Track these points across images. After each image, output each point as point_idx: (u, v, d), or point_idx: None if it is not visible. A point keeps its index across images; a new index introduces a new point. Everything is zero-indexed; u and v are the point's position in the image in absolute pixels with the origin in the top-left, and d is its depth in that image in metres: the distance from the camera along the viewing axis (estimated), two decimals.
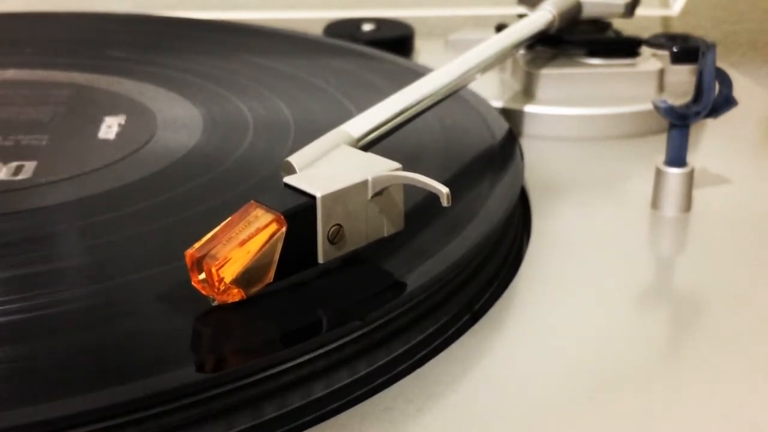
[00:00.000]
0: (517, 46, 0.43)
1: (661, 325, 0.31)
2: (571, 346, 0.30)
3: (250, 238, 0.26)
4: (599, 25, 0.49)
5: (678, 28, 0.67)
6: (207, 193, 0.34)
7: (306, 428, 0.26)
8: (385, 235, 0.29)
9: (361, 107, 0.35)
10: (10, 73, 0.47)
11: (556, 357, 0.29)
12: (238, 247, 0.26)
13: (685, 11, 0.63)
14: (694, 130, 0.39)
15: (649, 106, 0.43)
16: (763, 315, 0.31)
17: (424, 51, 0.57)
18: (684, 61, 0.49)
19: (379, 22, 0.57)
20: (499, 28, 0.50)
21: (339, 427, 0.26)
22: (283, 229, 0.27)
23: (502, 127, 0.41)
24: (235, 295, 0.26)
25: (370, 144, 0.32)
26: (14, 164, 0.36)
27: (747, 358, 0.29)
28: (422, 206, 0.32)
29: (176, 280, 0.28)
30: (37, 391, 0.24)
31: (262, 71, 0.47)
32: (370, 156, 0.30)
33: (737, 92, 0.38)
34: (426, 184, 0.28)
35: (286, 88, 0.44)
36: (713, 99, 0.37)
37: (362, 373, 0.28)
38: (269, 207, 0.27)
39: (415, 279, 0.29)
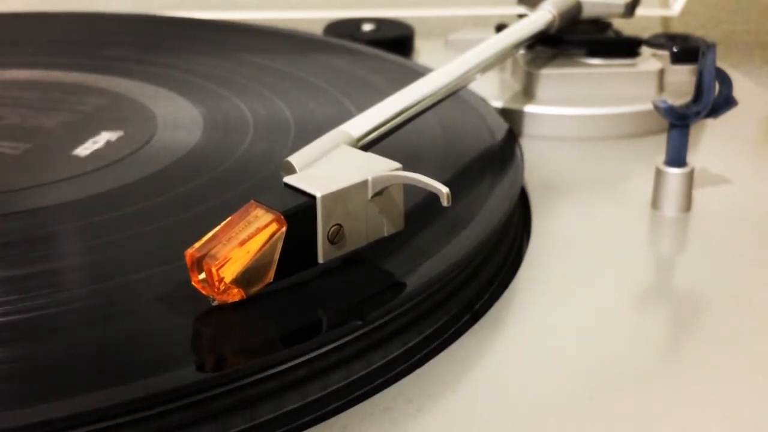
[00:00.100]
0: (517, 46, 0.43)
1: (661, 325, 0.31)
2: (571, 346, 0.30)
3: (250, 237, 0.26)
4: (599, 25, 0.49)
5: (678, 28, 0.67)
6: (207, 193, 0.34)
7: (306, 428, 0.26)
8: (385, 235, 0.29)
9: (361, 107, 0.35)
10: (11, 74, 0.47)
11: (556, 357, 0.29)
12: (238, 247, 0.26)
13: (685, 11, 0.63)
14: (694, 130, 0.39)
15: (649, 106, 0.43)
16: (763, 315, 0.31)
17: (424, 51, 0.57)
18: (684, 61, 0.49)
19: (379, 22, 0.57)
20: (499, 28, 0.50)
21: (339, 428, 0.26)
22: (283, 229, 0.27)
23: (501, 127, 0.41)
24: (235, 295, 0.26)
25: (370, 144, 0.32)
26: None
27: (747, 358, 0.29)
28: (422, 206, 0.32)
29: (176, 280, 0.28)
30: (37, 391, 0.24)
31: (262, 71, 0.47)
32: (370, 156, 0.30)
33: (737, 92, 0.38)
34: (426, 184, 0.28)
35: (286, 88, 0.44)
36: (713, 99, 0.37)
37: (362, 373, 0.28)
38: (269, 207, 0.27)
39: (415, 279, 0.29)
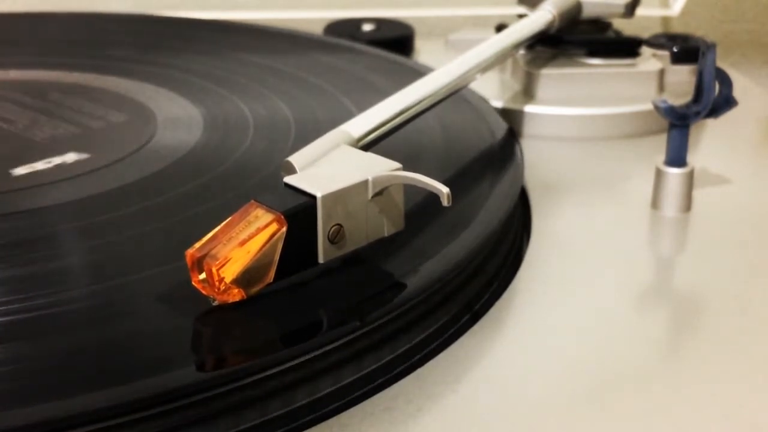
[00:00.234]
0: (517, 46, 0.43)
1: (661, 325, 0.31)
2: (571, 346, 0.30)
3: (250, 237, 0.26)
4: (599, 25, 0.49)
5: (678, 28, 0.67)
6: (207, 193, 0.34)
7: (306, 428, 0.26)
8: (385, 235, 0.29)
9: (361, 107, 0.35)
10: (12, 74, 0.47)
11: (556, 357, 0.29)
12: (238, 247, 0.26)
13: (685, 11, 0.63)
14: (694, 130, 0.39)
15: (649, 106, 0.43)
16: (763, 315, 0.31)
17: (424, 51, 0.57)
18: (684, 61, 0.49)
19: (379, 22, 0.57)
20: (499, 28, 0.50)
21: (339, 427, 0.26)
22: (284, 229, 0.27)
23: (501, 127, 0.41)
24: (236, 295, 0.26)
25: (370, 144, 0.32)
26: None
27: (747, 358, 0.29)
28: (422, 206, 0.32)
29: (176, 280, 0.28)
30: (37, 391, 0.24)
31: (262, 71, 0.47)
32: (370, 156, 0.30)
33: (737, 92, 0.38)
34: (426, 184, 0.28)
35: (286, 88, 0.44)
36: (713, 99, 0.37)
37: (362, 373, 0.28)
38: (269, 207, 0.27)
39: (415, 279, 0.29)
